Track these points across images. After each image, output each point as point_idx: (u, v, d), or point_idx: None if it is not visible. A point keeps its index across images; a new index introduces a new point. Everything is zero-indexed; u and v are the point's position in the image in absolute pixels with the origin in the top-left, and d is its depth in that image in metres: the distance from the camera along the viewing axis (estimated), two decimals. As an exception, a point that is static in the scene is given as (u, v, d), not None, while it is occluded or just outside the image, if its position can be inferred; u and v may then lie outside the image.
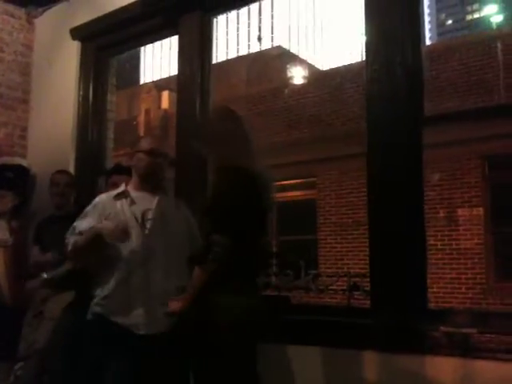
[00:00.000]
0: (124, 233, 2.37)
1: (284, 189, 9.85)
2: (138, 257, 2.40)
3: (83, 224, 2.48)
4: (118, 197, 2.53)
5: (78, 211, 3.34)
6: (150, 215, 2.47)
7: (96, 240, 2.38)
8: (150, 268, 2.40)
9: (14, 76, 4.42)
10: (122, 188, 2.57)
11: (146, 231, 2.44)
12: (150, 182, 2.55)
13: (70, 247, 2.46)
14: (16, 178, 4.03)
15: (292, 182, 9.81)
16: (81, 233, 2.45)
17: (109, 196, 2.57)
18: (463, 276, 8.18)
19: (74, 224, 2.52)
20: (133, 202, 2.50)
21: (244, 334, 2.20)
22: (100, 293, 2.43)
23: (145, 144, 2.57)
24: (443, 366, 2.25)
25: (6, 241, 3.75)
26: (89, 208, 2.55)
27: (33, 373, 2.91)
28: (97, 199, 2.60)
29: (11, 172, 4.03)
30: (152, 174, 2.53)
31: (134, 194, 2.53)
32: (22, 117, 4.44)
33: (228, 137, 2.37)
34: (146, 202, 2.50)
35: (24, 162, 4.20)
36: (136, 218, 2.46)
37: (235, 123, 2.44)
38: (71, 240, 2.47)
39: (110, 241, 2.36)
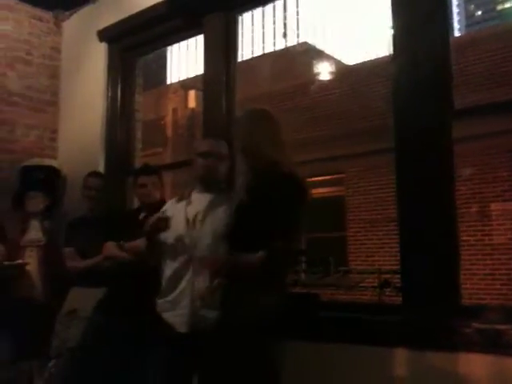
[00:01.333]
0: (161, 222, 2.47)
1: (311, 186, 9.79)
2: (184, 258, 2.47)
3: None
4: (180, 198, 2.62)
5: (109, 213, 3.39)
6: (200, 216, 2.50)
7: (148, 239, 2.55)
8: (194, 269, 2.45)
9: (43, 79, 4.49)
10: (187, 190, 2.65)
11: (195, 233, 2.48)
12: (206, 183, 2.58)
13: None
14: (47, 179, 4.10)
15: (319, 178, 9.76)
16: None
17: (173, 201, 2.68)
18: (497, 272, 8.02)
19: None
20: (189, 204, 2.57)
21: (267, 333, 2.21)
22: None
23: (199, 147, 2.64)
24: (476, 363, 2.21)
25: (39, 240, 3.83)
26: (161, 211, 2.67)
27: (66, 371, 2.96)
28: (165, 205, 2.72)
29: (42, 173, 4.11)
30: (206, 175, 2.56)
31: (193, 195, 2.59)
32: (51, 119, 4.51)
33: (272, 140, 2.37)
34: (201, 203, 2.54)
35: (55, 163, 4.27)
36: (187, 219, 2.51)
37: (277, 126, 2.44)
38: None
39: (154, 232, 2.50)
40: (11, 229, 3.74)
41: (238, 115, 2.64)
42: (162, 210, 2.62)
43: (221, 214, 2.50)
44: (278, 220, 2.19)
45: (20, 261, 3.63)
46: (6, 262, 3.46)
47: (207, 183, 2.58)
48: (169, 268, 2.52)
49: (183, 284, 2.46)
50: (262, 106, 2.58)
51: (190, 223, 2.49)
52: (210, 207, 2.53)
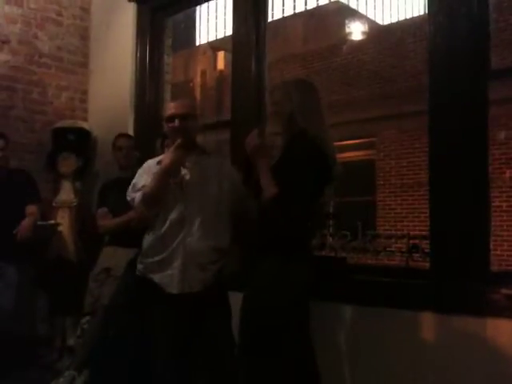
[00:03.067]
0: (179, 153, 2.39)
1: (342, 149, 9.68)
2: (173, 217, 2.44)
3: (142, 181, 2.53)
4: (161, 162, 2.55)
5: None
6: (187, 177, 2.48)
7: (164, 178, 2.41)
8: (184, 229, 2.43)
9: (73, 40, 4.50)
10: (165, 154, 2.61)
11: (183, 193, 2.46)
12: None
13: (139, 197, 2.48)
14: (78, 141, 4.16)
15: (350, 142, 9.64)
16: (144, 186, 2.48)
17: (153, 161, 2.62)
18: (529, 238, 7.86)
19: (133, 182, 2.58)
20: None
21: (304, 300, 2.29)
22: (142, 251, 2.54)
23: (166, 111, 2.58)
24: (504, 329, 2.20)
25: (70, 201, 3.92)
26: (140, 171, 2.62)
27: (98, 327, 3.05)
28: (144, 164, 2.66)
29: (74, 135, 4.16)
30: (177, 138, 2.45)
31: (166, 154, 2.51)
32: (82, 80, 4.53)
33: (313, 109, 2.40)
34: (186, 165, 2.50)
35: (86, 125, 4.32)
36: (175, 182, 2.48)
37: (318, 96, 2.46)
38: (136, 194, 2.51)
39: (173, 169, 2.40)
40: (44, 190, 3.82)
41: (282, 81, 2.64)
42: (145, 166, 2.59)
43: (212, 183, 2.48)
44: (290, 182, 2.24)
45: (53, 221, 3.73)
46: (40, 222, 3.55)
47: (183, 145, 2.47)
48: (158, 228, 2.47)
49: (174, 244, 2.43)
50: (309, 79, 2.59)
51: (178, 185, 2.46)
52: (198, 169, 2.49)
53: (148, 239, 2.53)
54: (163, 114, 4.19)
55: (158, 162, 2.57)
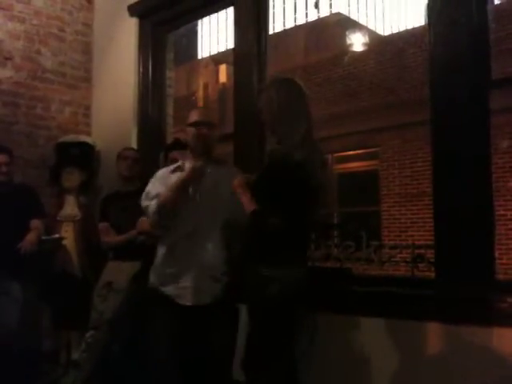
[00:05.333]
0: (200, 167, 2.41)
1: (345, 160, 9.70)
2: (185, 229, 2.44)
3: (155, 189, 2.53)
4: (175, 170, 2.58)
5: (142, 188, 3.43)
6: (201, 187, 2.48)
7: (184, 188, 2.43)
8: (197, 240, 2.44)
9: (76, 55, 4.53)
10: (179, 162, 2.63)
11: (197, 204, 2.46)
12: (201, 153, 2.53)
13: (154, 207, 2.45)
14: (82, 155, 4.17)
15: (353, 152, 9.64)
16: (158, 194, 2.48)
17: (167, 170, 2.64)
18: (534, 247, 7.82)
19: (147, 190, 2.58)
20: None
21: (288, 305, 2.23)
22: (155, 263, 2.54)
23: (191, 117, 2.59)
24: (510, 338, 2.18)
25: (74, 216, 3.92)
26: (152, 180, 2.62)
27: (103, 341, 3.04)
28: (158, 172, 2.67)
29: (78, 149, 4.17)
30: (200, 144, 2.51)
31: (188, 166, 2.54)
32: (85, 95, 4.56)
33: (294, 117, 2.30)
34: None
35: (89, 140, 4.34)
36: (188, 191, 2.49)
37: (302, 99, 2.36)
38: (151, 202, 2.49)
39: (191, 180, 2.42)
40: (47, 204, 3.83)
41: (268, 82, 2.63)
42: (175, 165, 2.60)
43: (225, 193, 2.45)
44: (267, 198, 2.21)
45: (57, 235, 3.73)
46: (44, 237, 3.56)
47: (201, 153, 2.52)
48: (170, 240, 2.49)
49: (186, 256, 2.43)
50: (288, 76, 2.53)
51: (191, 195, 2.47)
52: (211, 179, 2.50)
53: (160, 251, 2.53)
54: (166, 126, 4.25)
55: (173, 171, 2.59)
